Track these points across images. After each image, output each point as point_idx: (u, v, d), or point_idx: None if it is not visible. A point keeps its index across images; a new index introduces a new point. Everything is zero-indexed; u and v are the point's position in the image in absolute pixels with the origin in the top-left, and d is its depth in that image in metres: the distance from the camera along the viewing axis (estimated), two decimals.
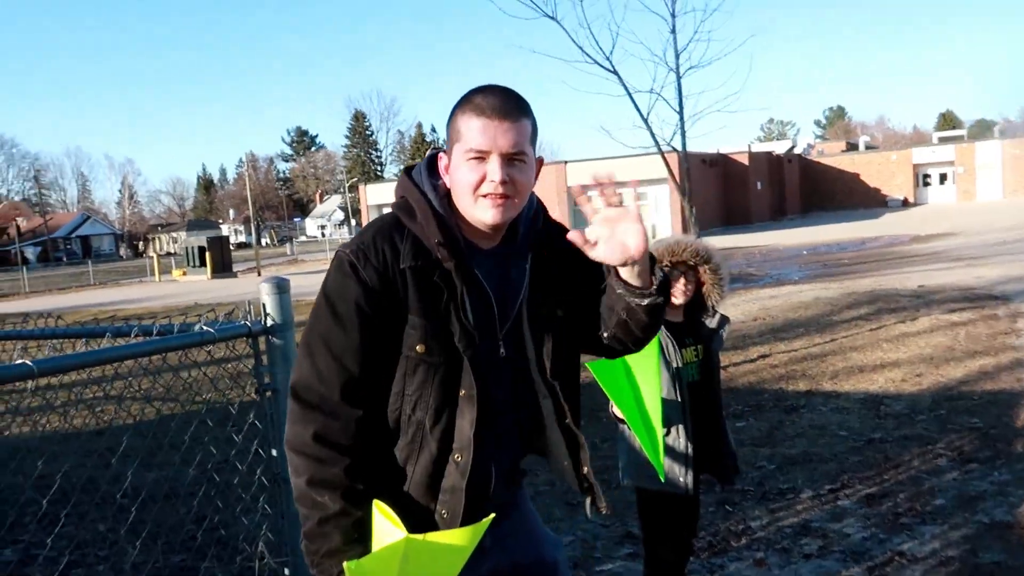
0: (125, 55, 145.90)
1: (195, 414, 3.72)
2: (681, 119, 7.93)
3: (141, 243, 77.47)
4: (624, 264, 1.52)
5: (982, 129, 77.56)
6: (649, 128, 7.93)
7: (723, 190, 41.66)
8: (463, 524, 1.61)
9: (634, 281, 1.55)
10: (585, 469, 1.78)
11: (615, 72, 8.04)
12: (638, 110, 8.29)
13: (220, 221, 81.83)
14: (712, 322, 3.04)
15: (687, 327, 3.03)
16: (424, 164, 1.70)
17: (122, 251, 77.34)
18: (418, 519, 1.61)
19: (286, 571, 2.81)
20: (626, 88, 7.76)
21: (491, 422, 1.66)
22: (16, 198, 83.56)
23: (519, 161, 1.57)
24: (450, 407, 1.63)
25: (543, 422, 1.76)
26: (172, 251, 57.00)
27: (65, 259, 70.61)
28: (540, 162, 1.67)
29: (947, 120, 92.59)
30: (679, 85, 7.88)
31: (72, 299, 27.49)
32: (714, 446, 3.01)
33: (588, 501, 1.82)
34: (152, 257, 37.60)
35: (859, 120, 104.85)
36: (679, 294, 2.95)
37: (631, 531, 4.10)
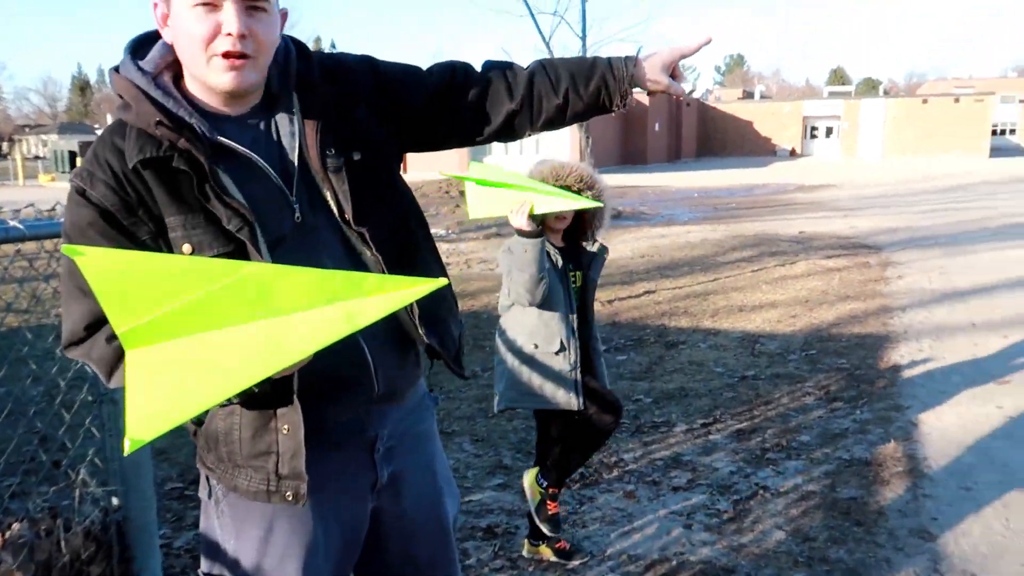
0: None
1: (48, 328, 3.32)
2: (584, 45, 7.69)
3: (5, 144, 71.41)
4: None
5: (868, 88, 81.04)
6: (550, 52, 7.66)
7: (622, 129, 41.96)
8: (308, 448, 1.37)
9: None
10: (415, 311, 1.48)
11: None
12: (540, 32, 8.02)
13: (96, 126, 76.10)
14: (592, 247, 3.00)
15: (568, 253, 2.97)
16: (128, 48, 1.38)
17: None
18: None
19: (114, 500, 2.54)
20: (529, 7, 7.44)
21: None
22: None
23: (260, 11, 1.30)
24: None
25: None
26: (41, 155, 52.69)
27: None
28: (284, 15, 1.40)
29: (837, 76, 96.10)
30: (583, 8, 7.61)
31: None
32: (587, 374, 3.01)
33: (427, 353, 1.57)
34: (16, 160, 34.65)
35: (757, 70, 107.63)
36: (559, 219, 2.90)
37: (503, 461, 4.01)
